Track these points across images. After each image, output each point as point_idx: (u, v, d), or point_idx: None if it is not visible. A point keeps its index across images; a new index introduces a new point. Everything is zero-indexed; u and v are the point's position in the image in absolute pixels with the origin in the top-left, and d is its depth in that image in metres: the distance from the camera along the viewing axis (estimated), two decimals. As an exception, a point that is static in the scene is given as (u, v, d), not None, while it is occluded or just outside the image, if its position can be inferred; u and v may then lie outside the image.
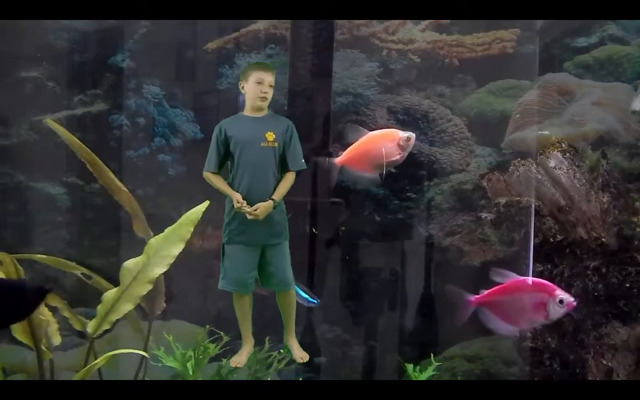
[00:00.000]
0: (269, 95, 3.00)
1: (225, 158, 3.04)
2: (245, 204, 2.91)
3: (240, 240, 3.00)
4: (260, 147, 2.96)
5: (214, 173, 3.03)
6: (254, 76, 3.00)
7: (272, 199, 2.96)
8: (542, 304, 2.92)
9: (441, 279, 4.29)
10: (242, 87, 3.05)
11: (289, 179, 3.04)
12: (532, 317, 2.96)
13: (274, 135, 2.98)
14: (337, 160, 3.14)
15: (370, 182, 3.17)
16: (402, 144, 3.08)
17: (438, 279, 4.30)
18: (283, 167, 3.05)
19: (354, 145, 3.15)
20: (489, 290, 3.01)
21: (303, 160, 3.06)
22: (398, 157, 3.09)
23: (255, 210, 2.91)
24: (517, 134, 4.15)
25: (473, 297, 3.02)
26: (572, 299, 2.91)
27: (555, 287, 2.95)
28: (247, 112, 3.06)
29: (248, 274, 3.02)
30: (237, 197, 2.92)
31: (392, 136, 3.10)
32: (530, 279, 3.04)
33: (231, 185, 3.00)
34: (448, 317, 4.22)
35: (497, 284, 3.02)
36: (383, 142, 3.10)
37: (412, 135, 3.09)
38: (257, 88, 2.99)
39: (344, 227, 4.25)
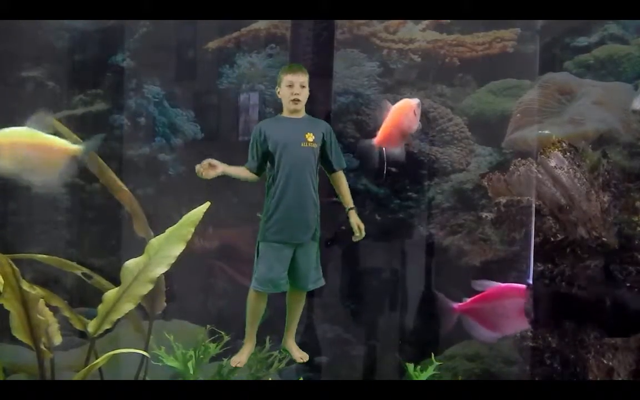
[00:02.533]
0: (302, 96, 3.06)
1: (264, 159, 3.08)
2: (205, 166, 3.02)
3: (277, 238, 3.03)
4: (300, 147, 3.02)
5: (250, 170, 3.10)
6: (285, 80, 3.06)
7: (352, 208, 3.12)
8: (523, 310, 2.92)
9: (442, 278, 4.29)
10: (278, 93, 3.11)
11: (343, 179, 3.15)
12: (513, 323, 2.97)
13: (313, 136, 3.04)
14: (375, 141, 3.17)
15: (398, 156, 3.23)
16: (416, 111, 3.18)
17: (438, 279, 4.30)
18: (326, 167, 3.14)
19: (385, 123, 3.21)
20: (471, 298, 3.02)
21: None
22: (415, 125, 3.22)
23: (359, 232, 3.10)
24: (518, 133, 4.15)
25: (457, 305, 3.03)
26: None
27: None
28: (285, 114, 3.12)
29: (282, 274, 3.04)
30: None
31: (410, 106, 3.19)
32: (510, 285, 3.04)
33: (270, 184, 3.05)
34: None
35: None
36: (405, 114, 3.18)
37: (419, 101, 3.21)
38: (288, 91, 3.05)
39: (345, 227, 4.25)
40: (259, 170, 3.11)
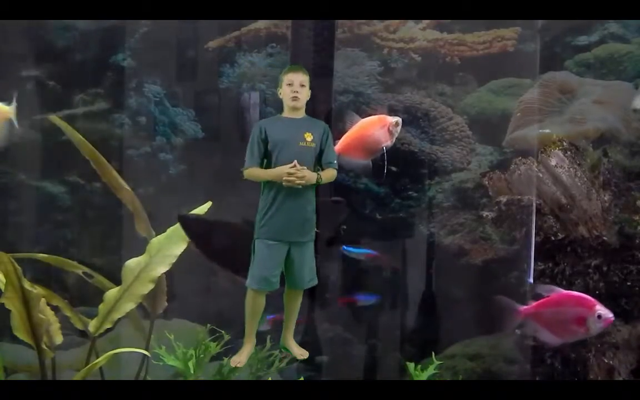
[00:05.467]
0: (301, 95, 3.06)
1: (265, 157, 3.08)
2: (297, 167, 2.93)
3: (269, 236, 3.03)
4: (298, 146, 3.01)
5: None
6: (285, 79, 3.07)
7: (319, 174, 3.00)
8: (582, 319, 2.96)
9: (442, 277, 4.29)
10: (280, 93, 3.11)
11: (332, 171, 3.08)
12: (573, 330, 3.01)
13: (312, 136, 3.04)
14: (336, 148, 3.17)
15: (363, 169, 3.21)
16: (391, 129, 3.13)
17: (439, 278, 4.30)
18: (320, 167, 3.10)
19: (348, 132, 3.18)
20: (536, 302, 3.06)
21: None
22: (389, 142, 3.13)
23: (302, 175, 2.92)
24: (518, 132, 4.14)
25: (522, 308, 3.07)
26: (610, 315, 2.95)
27: (595, 302, 2.99)
28: (285, 114, 3.12)
29: (274, 271, 3.04)
30: (286, 168, 2.94)
31: (382, 122, 3.14)
32: (571, 293, 3.09)
33: (268, 185, 3.03)
34: (449, 316, 4.24)
35: (542, 297, 3.07)
36: (376, 129, 3.14)
37: (400, 119, 3.14)
38: (288, 89, 3.06)
39: (345, 226, 4.25)
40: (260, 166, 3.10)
